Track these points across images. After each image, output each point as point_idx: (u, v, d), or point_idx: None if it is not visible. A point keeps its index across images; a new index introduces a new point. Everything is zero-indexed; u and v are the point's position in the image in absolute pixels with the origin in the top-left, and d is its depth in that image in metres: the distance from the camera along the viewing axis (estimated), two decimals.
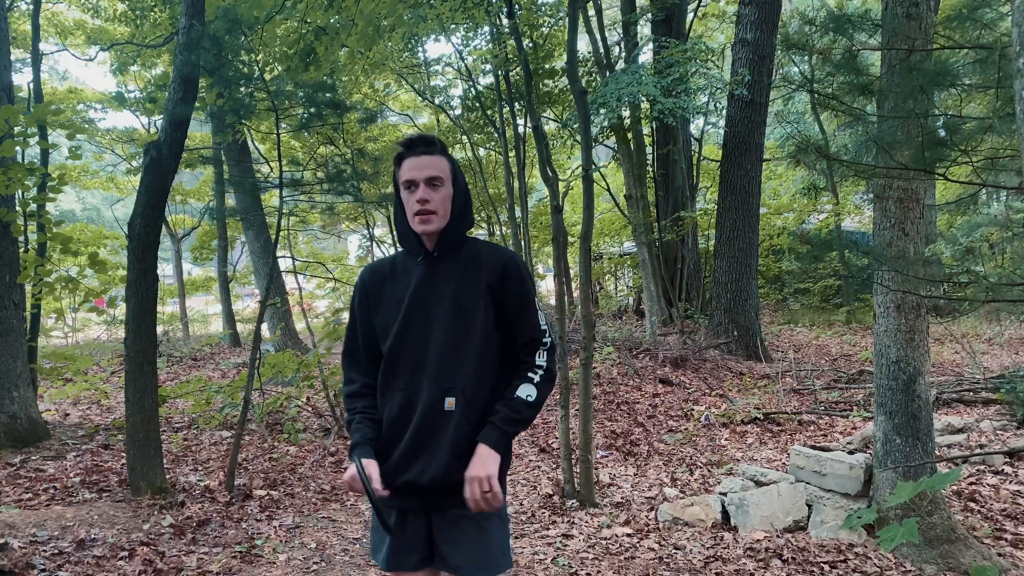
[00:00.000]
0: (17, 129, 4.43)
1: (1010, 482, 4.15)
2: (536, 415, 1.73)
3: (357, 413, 1.78)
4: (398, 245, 1.86)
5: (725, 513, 3.89)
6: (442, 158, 1.70)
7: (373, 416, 1.77)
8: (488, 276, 1.72)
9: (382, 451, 1.72)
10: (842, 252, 3.27)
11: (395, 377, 1.72)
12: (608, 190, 14.35)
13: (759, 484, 3.95)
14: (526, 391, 1.69)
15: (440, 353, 1.68)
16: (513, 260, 1.76)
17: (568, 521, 3.94)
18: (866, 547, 3.33)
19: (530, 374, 1.71)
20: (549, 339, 1.76)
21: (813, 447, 4.13)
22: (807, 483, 3.83)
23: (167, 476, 4.21)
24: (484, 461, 1.62)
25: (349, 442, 1.79)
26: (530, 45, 12.17)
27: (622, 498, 4.35)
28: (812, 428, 5.93)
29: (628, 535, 3.68)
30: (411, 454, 1.68)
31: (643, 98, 8.64)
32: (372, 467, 1.66)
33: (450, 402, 1.66)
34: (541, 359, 1.73)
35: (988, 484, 4.13)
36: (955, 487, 4.05)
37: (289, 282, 13.06)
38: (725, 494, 3.97)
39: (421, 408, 1.68)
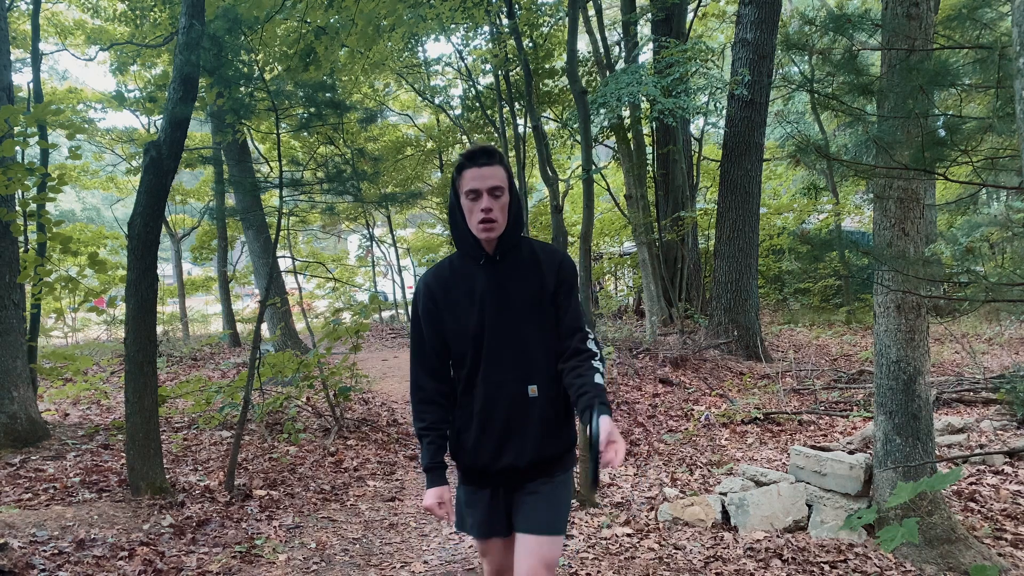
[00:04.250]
0: (17, 129, 4.43)
1: (1010, 482, 4.15)
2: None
3: (427, 430, 1.92)
4: (452, 247, 2.01)
5: (725, 513, 3.88)
6: (501, 168, 1.83)
7: (443, 432, 1.94)
8: (548, 275, 1.88)
9: (472, 442, 1.89)
10: (842, 252, 3.27)
11: (476, 373, 1.86)
12: (608, 190, 14.37)
13: (759, 484, 3.95)
14: (600, 379, 1.83)
15: (518, 348, 1.85)
16: (567, 259, 1.94)
17: (568, 521, 3.94)
18: (866, 547, 3.33)
19: (594, 363, 1.85)
20: (590, 330, 1.93)
21: (813, 447, 4.13)
22: (807, 483, 3.83)
23: (167, 476, 4.20)
24: (615, 429, 1.72)
25: (420, 460, 2.00)
26: (530, 45, 12.16)
27: (622, 498, 4.35)
28: (812, 428, 5.93)
29: (628, 535, 3.68)
30: (504, 440, 1.86)
31: (643, 98, 8.64)
32: (445, 496, 1.90)
33: (533, 389, 1.84)
34: (592, 344, 1.89)
35: (988, 484, 4.13)
36: (955, 487, 4.05)
37: (289, 282, 13.06)
38: (725, 494, 3.97)
39: (507, 398, 1.84)
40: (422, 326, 1.92)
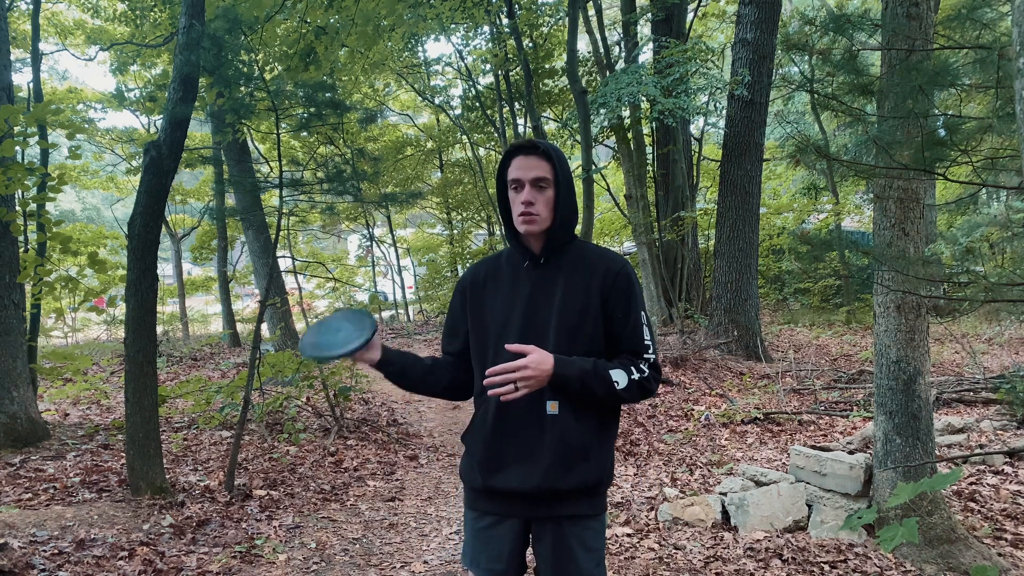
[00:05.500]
0: (17, 129, 4.43)
1: (1010, 482, 4.15)
2: (609, 403, 1.69)
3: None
4: (505, 243, 1.87)
5: (725, 513, 3.88)
6: (547, 161, 1.70)
7: (423, 366, 1.83)
8: (597, 285, 1.70)
9: (480, 452, 1.72)
10: (842, 252, 3.27)
11: None
12: (608, 190, 14.36)
13: (759, 484, 3.95)
14: (617, 375, 1.64)
15: None
16: (625, 270, 1.73)
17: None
18: (866, 547, 3.33)
19: (631, 367, 1.67)
20: (653, 355, 1.72)
21: (813, 447, 4.13)
22: (807, 483, 3.83)
23: (167, 476, 4.21)
24: (545, 357, 1.59)
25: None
26: (530, 45, 12.16)
27: (622, 498, 4.35)
28: (812, 428, 5.93)
29: (628, 535, 3.68)
30: (512, 458, 1.67)
31: (643, 98, 8.64)
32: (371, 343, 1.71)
33: (552, 406, 1.64)
34: (644, 365, 1.69)
35: (988, 484, 4.13)
36: (955, 487, 4.05)
37: (289, 282, 13.07)
38: (725, 494, 3.97)
39: (520, 409, 1.65)
40: (450, 320, 1.86)
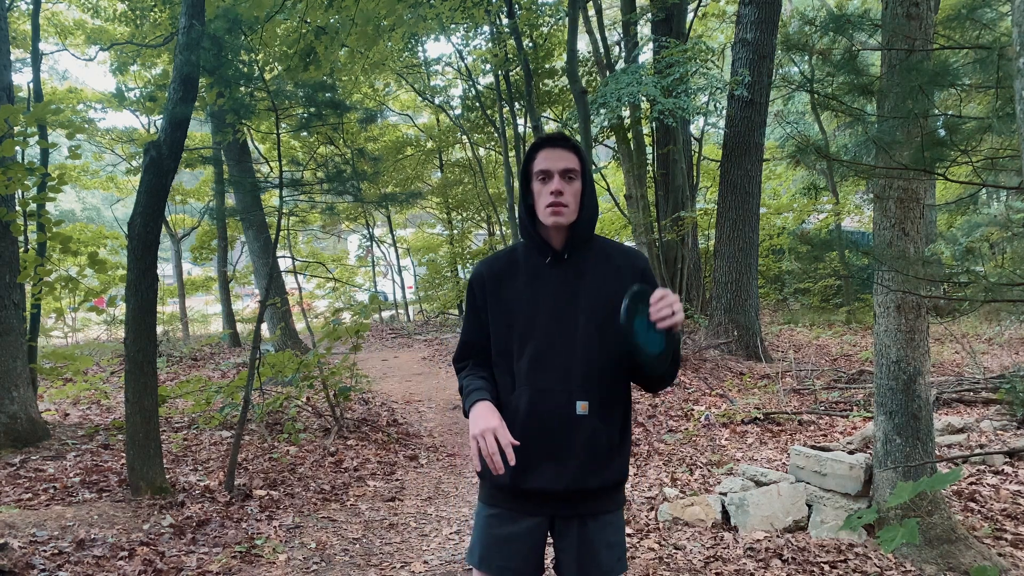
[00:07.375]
0: (17, 129, 4.43)
1: (1010, 482, 4.15)
2: (670, 370, 1.66)
3: (466, 371, 1.78)
4: (518, 236, 1.83)
5: (725, 513, 3.89)
6: (575, 154, 1.69)
7: (483, 372, 1.75)
8: (631, 282, 1.67)
9: (515, 453, 1.65)
10: (842, 252, 3.27)
11: (521, 374, 1.68)
12: (608, 190, 14.36)
13: (759, 484, 3.95)
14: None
15: (571, 356, 1.65)
16: (648, 265, 1.74)
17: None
18: (866, 547, 3.33)
19: None
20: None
21: (813, 447, 4.13)
22: (807, 483, 3.83)
23: (167, 476, 4.21)
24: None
25: (463, 399, 1.74)
26: (530, 45, 12.16)
27: None
28: (812, 428, 5.93)
29: (628, 535, 3.68)
30: (541, 457, 1.64)
31: (643, 98, 8.64)
32: (495, 418, 1.59)
33: (583, 406, 1.63)
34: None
35: (988, 484, 4.13)
36: (955, 487, 4.05)
37: (289, 282, 13.06)
38: (725, 494, 3.97)
39: (550, 409, 1.64)
40: (470, 317, 1.79)
